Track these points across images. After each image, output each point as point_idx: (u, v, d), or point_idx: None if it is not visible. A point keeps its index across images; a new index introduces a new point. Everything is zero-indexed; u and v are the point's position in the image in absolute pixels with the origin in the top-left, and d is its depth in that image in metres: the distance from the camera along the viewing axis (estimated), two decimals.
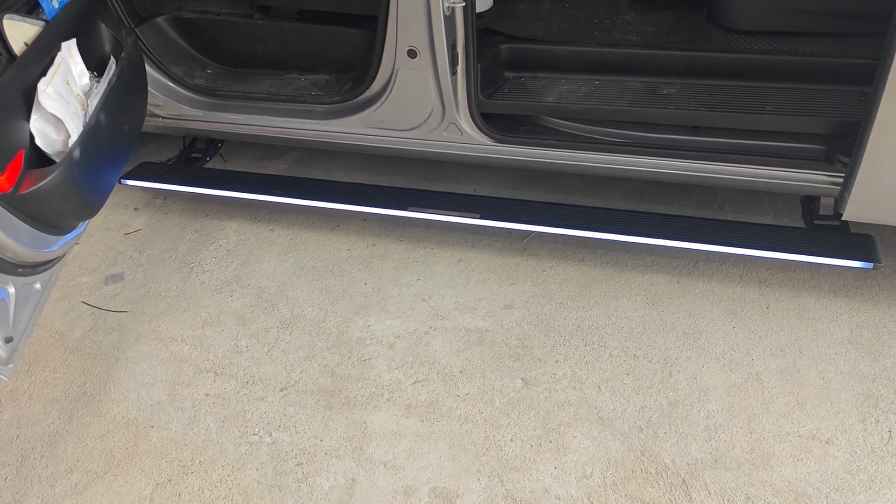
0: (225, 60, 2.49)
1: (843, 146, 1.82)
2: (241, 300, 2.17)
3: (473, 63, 1.98)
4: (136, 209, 2.58)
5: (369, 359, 1.95)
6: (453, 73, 1.98)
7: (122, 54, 1.92)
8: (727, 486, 1.60)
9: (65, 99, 1.64)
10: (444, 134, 2.11)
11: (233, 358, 2.00)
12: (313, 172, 2.66)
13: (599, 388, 1.82)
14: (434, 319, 2.04)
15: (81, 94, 1.74)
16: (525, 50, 2.23)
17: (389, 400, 1.84)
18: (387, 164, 2.65)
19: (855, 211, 1.81)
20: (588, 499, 1.60)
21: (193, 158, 2.67)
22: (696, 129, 2.02)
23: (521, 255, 2.23)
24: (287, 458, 1.73)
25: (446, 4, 1.87)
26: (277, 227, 2.44)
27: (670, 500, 1.58)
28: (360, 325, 2.05)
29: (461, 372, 1.89)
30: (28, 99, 1.57)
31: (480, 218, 2.13)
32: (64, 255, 1.79)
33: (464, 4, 1.88)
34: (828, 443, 1.66)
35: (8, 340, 1.54)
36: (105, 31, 1.94)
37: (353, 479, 1.68)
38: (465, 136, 2.09)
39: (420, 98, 2.05)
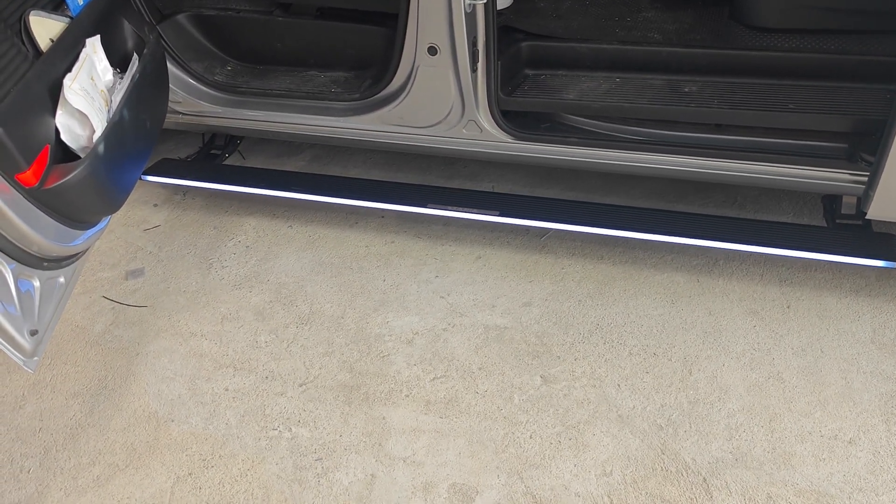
0: (245, 57, 2.50)
1: (867, 144, 1.81)
2: (260, 296, 2.18)
3: (494, 60, 1.98)
4: (155, 205, 2.60)
5: (388, 355, 1.96)
6: (473, 70, 1.98)
7: (145, 51, 1.93)
8: (748, 485, 1.59)
9: (90, 95, 1.66)
10: (464, 131, 2.11)
11: (252, 353, 2.01)
12: (331, 169, 2.67)
13: (619, 386, 1.82)
14: (453, 316, 2.05)
15: (105, 91, 1.75)
16: (545, 47, 2.22)
17: (408, 396, 1.84)
18: (404, 161, 2.65)
19: (879, 210, 1.79)
20: (608, 496, 1.59)
21: (213, 155, 2.69)
22: (717, 127, 2.01)
23: (539, 253, 2.22)
24: (307, 453, 1.74)
25: (467, 2, 1.87)
26: (296, 224, 2.45)
27: (691, 499, 1.58)
28: (378, 321, 2.06)
29: (480, 369, 1.89)
30: (54, 95, 1.59)
31: (499, 215, 2.13)
32: (87, 249, 1.81)
33: (485, 2, 1.88)
34: (850, 443, 1.65)
35: (33, 333, 1.56)
36: (128, 28, 1.95)
37: (372, 475, 1.68)
38: (485, 134, 2.09)
39: (440, 95, 2.05)
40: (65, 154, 1.62)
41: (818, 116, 1.90)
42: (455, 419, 1.78)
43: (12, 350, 1.51)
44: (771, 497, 1.56)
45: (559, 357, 1.90)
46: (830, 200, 2.08)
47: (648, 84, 2.11)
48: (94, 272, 2.33)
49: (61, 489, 1.72)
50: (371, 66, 2.35)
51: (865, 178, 1.81)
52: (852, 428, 1.68)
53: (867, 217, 1.83)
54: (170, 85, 2.24)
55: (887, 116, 1.69)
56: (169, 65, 2.27)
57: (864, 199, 1.83)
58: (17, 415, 1.90)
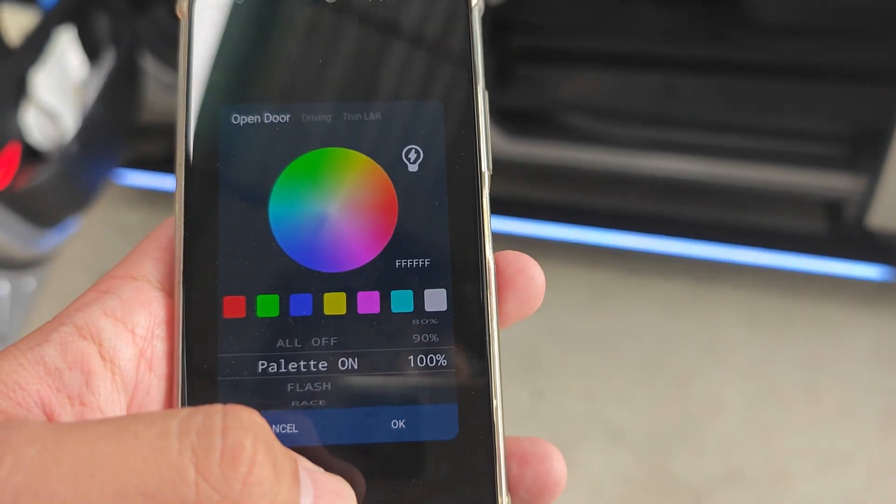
0: None
1: (868, 149, 1.76)
2: None
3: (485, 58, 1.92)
4: (130, 205, 2.53)
5: None
6: None
7: (121, 45, 1.86)
8: (742, 502, 1.55)
9: (62, 91, 1.60)
10: None
11: None
12: None
13: (611, 400, 1.77)
14: None
15: (79, 86, 1.69)
16: (539, 44, 2.17)
17: None
18: None
19: (880, 217, 1.75)
20: None
21: None
22: (715, 128, 1.96)
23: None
24: None
25: None
26: None
27: None
28: None
29: None
30: (24, 91, 1.53)
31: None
32: (59, 252, 1.75)
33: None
34: (847, 458, 1.61)
35: (3, 339, 1.51)
36: (104, 22, 1.88)
37: None
38: None
39: None
40: (36, 154, 1.56)
41: (819, 119, 1.86)
42: None
43: None
44: None
45: (550, 370, 1.85)
46: (831, 206, 2.03)
47: (644, 83, 2.06)
48: (65, 275, 2.26)
49: None
50: None
51: (866, 185, 1.77)
52: (849, 443, 1.64)
53: (868, 224, 1.79)
54: (146, 80, 2.17)
55: (890, 121, 1.64)
56: (146, 59, 2.20)
57: (864, 205, 1.79)
58: None
